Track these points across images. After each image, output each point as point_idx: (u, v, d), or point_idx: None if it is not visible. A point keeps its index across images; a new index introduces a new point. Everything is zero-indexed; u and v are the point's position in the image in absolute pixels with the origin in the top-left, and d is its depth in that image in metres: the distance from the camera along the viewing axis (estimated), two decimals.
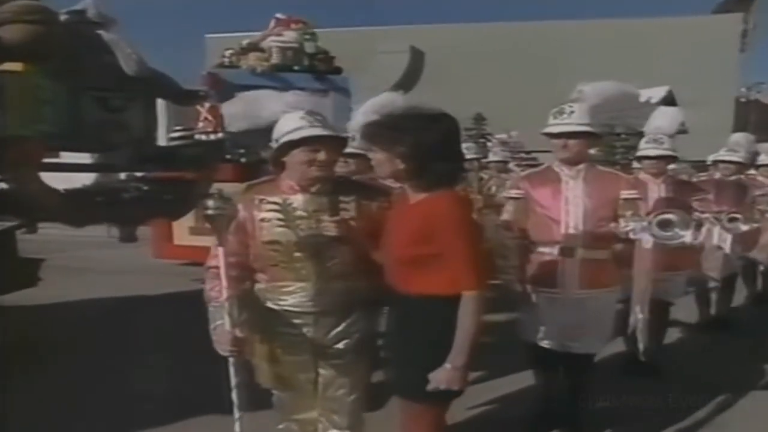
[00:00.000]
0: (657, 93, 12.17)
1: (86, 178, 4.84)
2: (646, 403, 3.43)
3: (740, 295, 5.68)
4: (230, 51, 8.55)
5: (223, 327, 2.01)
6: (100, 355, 4.37)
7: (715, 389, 3.69)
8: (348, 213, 2.14)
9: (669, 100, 11.39)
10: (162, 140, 7.61)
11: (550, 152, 2.93)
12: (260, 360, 2.23)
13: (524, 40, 24.31)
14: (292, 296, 2.15)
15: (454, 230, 1.89)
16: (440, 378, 1.90)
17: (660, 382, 3.76)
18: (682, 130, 5.31)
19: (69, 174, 4.64)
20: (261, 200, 2.14)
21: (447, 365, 1.89)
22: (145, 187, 5.03)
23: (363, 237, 2.12)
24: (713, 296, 5.05)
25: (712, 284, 4.71)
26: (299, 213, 2.11)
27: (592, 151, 3.13)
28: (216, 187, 2.09)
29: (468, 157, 4.77)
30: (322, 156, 2.05)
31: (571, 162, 2.85)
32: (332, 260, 2.11)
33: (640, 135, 4.09)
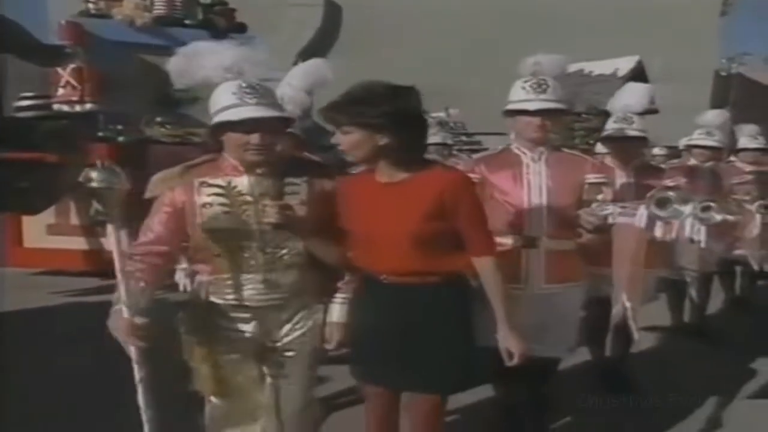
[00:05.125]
0: (626, 64, 12.95)
1: None
2: (617, 416, 3.86)
3: (717, 300, 6.27)
4: None
5: (119, 313, 2.19)
6: None
7: (692, 402, 4.13)
8: (298, 196, 2.36)
9: (639, 72, 12.16)
10: (8, 110, 7.23)
11: (499, 135, 3.15)
12: (200, 363, 2.42)
13: None
14: (238, 289, 2.37)
15: (473, 202, 2.38)
16: (513, 345, 2.39)
17: (632, 393, 4.19)
18: (652, 110, 5.70)
19: None
20: (202, 183, 2.33)
21: (506, 331, 2.40)
22: None
23: (315, 222, 2.35)
24: (687, 301, 5.57)
25: (688, 279, 5.20)
26: (245, 197, 2.31)
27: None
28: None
29: None
30: (255, 139, 2.23)
31: (536, 143, 3.14)
32: (282, 249, 2.35)
33: (604, 115, 4.37)
